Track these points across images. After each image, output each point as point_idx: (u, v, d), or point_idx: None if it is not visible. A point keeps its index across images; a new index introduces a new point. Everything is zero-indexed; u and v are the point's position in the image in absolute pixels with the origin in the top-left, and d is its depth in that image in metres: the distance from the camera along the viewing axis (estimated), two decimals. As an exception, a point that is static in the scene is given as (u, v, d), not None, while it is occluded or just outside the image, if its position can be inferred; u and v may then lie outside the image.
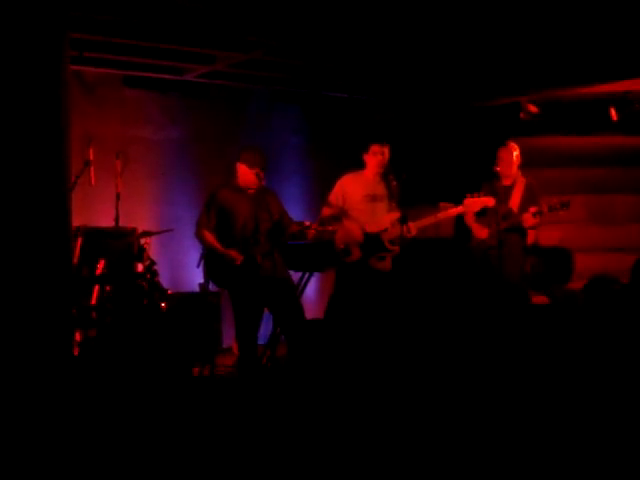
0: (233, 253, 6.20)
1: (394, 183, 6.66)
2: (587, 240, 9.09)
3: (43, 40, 4.97)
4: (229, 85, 9.06)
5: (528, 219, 7.11)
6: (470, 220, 7.37)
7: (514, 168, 7.34)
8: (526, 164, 8.37)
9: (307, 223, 6.39)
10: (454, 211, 6.91)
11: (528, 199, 7.24)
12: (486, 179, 7.33)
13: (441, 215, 6.87)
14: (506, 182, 7.33)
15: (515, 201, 7.29)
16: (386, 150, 6.73)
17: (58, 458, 4.35)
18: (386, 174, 6.72)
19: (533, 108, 8.62)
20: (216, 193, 6.39)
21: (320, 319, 7.52)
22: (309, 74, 8.71)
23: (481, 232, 7.28)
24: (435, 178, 8.77)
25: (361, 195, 6.72)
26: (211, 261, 6.37)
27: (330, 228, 6.54)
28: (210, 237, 6.25)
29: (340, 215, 6.64)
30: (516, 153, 7.36)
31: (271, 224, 6.38)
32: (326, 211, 6.79)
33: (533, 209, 7.08)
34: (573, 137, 9.31)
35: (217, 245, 6.24)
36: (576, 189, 9.15)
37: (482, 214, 7.20)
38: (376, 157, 6.70)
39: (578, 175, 9.28)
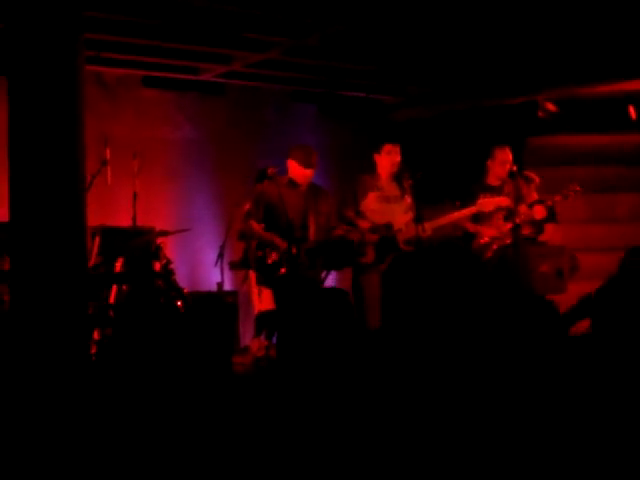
0: (277, 240, 6.28)
1: (408, 183, 6.67)
2: (603, 239, 9.03)
3: (57, 40, 5.00)
4: (246, 85, 9.08)
5: (539, 211, 7.08)
6: (469, 226, 7.29)
7: (506, 170, 7.33)
8: (545, 162, 8.35)
9: (362, 225, 6.50)
10: (468, 211, 6.92)
11: (518, 197, 7.22)
12: (474, 181, 7.36)
13: (455, 215, 6.88)
14: (493, 182, 7.33)
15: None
16: (398, 150, 6.74)
17: (74, 456, 4.37)
18: (400, 174, 6.73)
19: (551, 106, 8.58)
20: (265, 189, 6.49)
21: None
22: (326, 73, 8.72)
23: (488, 231, 7.20)
24: (452, 177, 8.74)
25: (375, 196, 6.74)
26: (252, 254, 6.48)
27: (379, 235, 6.59)
28: (257, 227, 6.37)
29: (391, 225, 6.65)
30: (510, 155, 7.36)
31: (320, 223, 6.47)
32: (350, 214, 6.79)
33: (534, 198, 7.09)
34: (591, 135, 9.26)
35: (263, 233, 6.35)
36: (596, 187, 9.09)
37: (476, 220, 7.18)
38: (389, 157, 6.71)
39: (598, 173, 9.22)
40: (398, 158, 6.73)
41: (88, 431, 4.78)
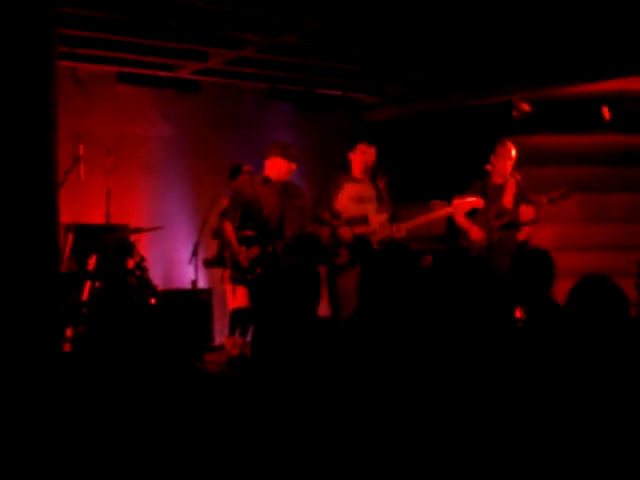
0: (242, 255, 6.30)
1: (383, 183, 6.66)
2: (580, 239, 9.09)
3: (31, 35, 4.96)
4: (222, 82, 9.06)
5: (526, 213, 7.07)
6: (462, 221, 7.27)
7: (509, 166, 7.31)
8: (519, 163, 8.36)
9: (335, 222, 6.50)
10: (443, 212, 6.91)
11: (520, 196, 7.23)
12: (477, 177, 7.31)
13: (430, 216, 6.86)
14: (498, 180, 7.30)
15: (508, 199, 7.26)
16: (373, 151, 6.73)
17: (46, 455, 4.34)
18: (374, 174, 6.72)
19: (526, 106, 8.62)
20: (241, 186, 6.58)
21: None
22: (303, 71, 8.71)
23: (477, 234, 7.17)
24: (428, 176, 8.77)
25: (349, 196, 6.72)
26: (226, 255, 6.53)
27: (357, 230, 6.58)
28: (229, 229, 6.40)
29: (367, 217, 6.63)
30: (514, 152, 7.32)
31: (297, 219, 6.48)
32: (323, 213, 6.78)
33: (533, 201, 7.07)
34: (566, 135, 9.31)
35: (233, 241, 6.38)
36: (569, 188, 9.14)
37: (472, 214, 7.17)
38: (363, 157, 6.70)
39: (571, 174, 9.27)
40: (372, 158, 6.73)
41: (60, 428, 4.75)
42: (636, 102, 8.34)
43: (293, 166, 6.61)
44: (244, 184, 6.71)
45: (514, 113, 8.60)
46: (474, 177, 7.37)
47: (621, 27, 7.14)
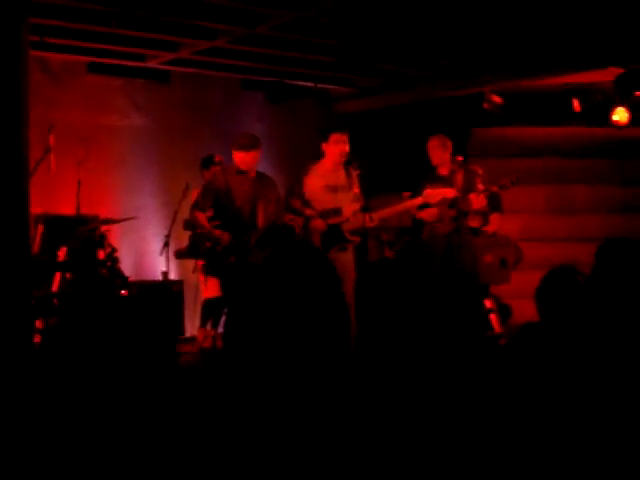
0: (217, 232, 6.33)
1: (355, 172, 6.66)
2: (547, 230, 9.17)
3: (1, 24, 4.92)
4: (194, 72, 9.02)
5: (474, 201, 7.14)
6: (415, 213, 7.36)
7: (445, 156, 7.40)
8: (490, 154, 8.42)
9: (308, 212, 6.53)
10: (414, 202, 6.98)
11: (468, 185, 7.29)
12: (425, 172, 7.43)
13: (402, 206, 6.95)
14: (442, 171, 7.40)
15: (456, 189, 7.33)
16: (346, 139, 6.73)
17: (16, 451, 4.32)
18: (347, 164, 6.72)
19: (497, 98, 8.66)
20: (213, 177, 6.77)
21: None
22: (275, 62, 8.70)
23: (430, 211, 7.24)
24: (399, 168, 8.80)
25: (321, 185, 6.72)
26: (199, 245, 6.55)
27: (331, 221, 6.60)
28: (202, 217, 6.46)
29: (340, 209, 6.65)
30: (446, 143, 7.42)
31: (269, 210, 6.50)
32: (296, 203, 6.78)
33: (480, 189, 7.16)
34: (536, 128, 9.38)
35: (206, 224, 6.42)
36: (539, 179, 9.22)
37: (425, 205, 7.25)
38: (336, 146, 6.69)
39: (541, 165, 9.35)
40: (346, 148, 6.72)
41: (31, 421, 4.72)
42: (605, 95, 8.40)
43: (251, 154, 6.60)
44: (217, 175, 6.77)
45: (485, 105, 8.64)
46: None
47: (590, 21, 7.20)
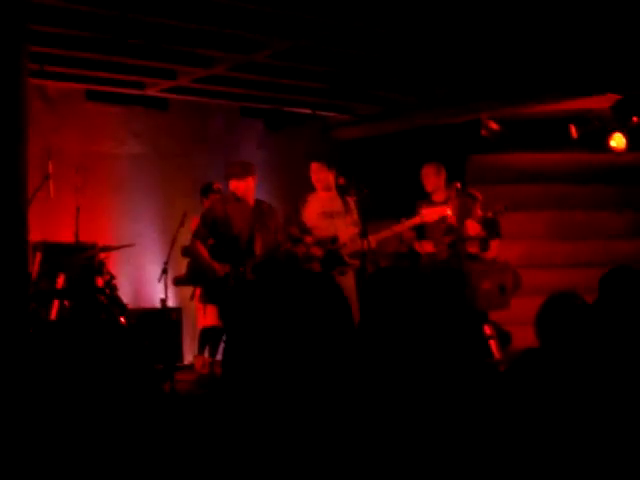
0: (217, 266, 6.33)
1: (352, 198, 6.70)
2: (546, 256, 9.17)
3: (1, 52, 4.93)
4: (193, 100, 9.05)
5: (470, 227, 7.16)
6: (411, 240, 7.35)
7: (440, 183, 7.42)
8: (488, 181, 8.42)
9: (307, 239, 6.55)
10: (411, 222, 6.99)
11: (464, 212, 7.31)
12: (420, 198, 7.45)
13: (398, 227, 6.96)
14: (438, 198, 7.41)
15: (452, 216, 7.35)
16: (324, 167, 6.80)
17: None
18: (345, 190, 6.76)
19: (494, 125, 8.69)
20: (212, 205, 6.81)
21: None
22: (273, 90, 8.73)
23: (426, 246, 7.27)
24: (397, 194, 8.81)
25: (317, 212, 6.76)
26: (198, 272, 6.57)
27: (324, 249, 6.62)
28: (202, 248, 6.46)
29: (336, 238, 6.68)
30: (440, 170, 7.45)
31: (267, 238, 6.50)
32: (294, 230, 6.80)
33: (478, 215, 7.17)
34: (534, 154, 9.40)
35: (205, 255, 6.43)
36: (538, 205, 9.23)
37: (421, 236, 7.25)
38: (315, 175, 6.80)
39: (539, 191, 9.36)
40: (322, 175, 6.81)
41: (28, 445, 4.68)
42: (602, 121, 8.43)
43: (245, 182, 6.60)
44: (215, 203, 6.80)
45: (483, 132, 8.67)
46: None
47: (587, 48, 7.24)
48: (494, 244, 7.42)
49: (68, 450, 4.45)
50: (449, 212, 7.00)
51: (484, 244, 7.34)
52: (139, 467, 4.37)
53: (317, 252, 6.69)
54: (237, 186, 6.59)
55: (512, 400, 3.58)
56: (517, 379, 3.76)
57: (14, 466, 3.98)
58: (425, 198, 7.46)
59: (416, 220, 6.99)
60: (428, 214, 6.96)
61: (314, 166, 6.84)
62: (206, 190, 7.98)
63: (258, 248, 6.55)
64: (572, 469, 3.29)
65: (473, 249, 7.29)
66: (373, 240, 6.63)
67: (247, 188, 6.62)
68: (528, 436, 3.41)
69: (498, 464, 3.34)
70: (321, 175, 6.77)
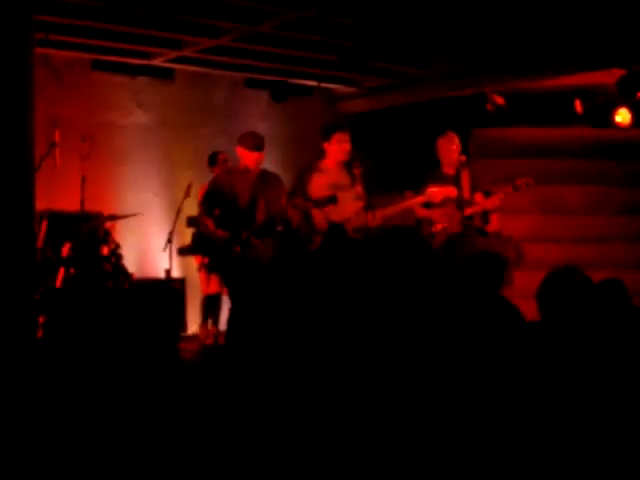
0: (220, 233, 6.40)
1: (358, 171, 6.67)
2: (548, 231, 9.17)
3: (8, 21, 4.94)
4: (198, 70, 9.05)
5: (493, 201, 7.16)
6: (419, 211, 7.30)
7: (454, 156, 7.37)
8: (491, 155, 8.41)
9: (305, 204, 6.56)
10: (417, 200, 6.98)
11: (475, 186, 7.30)
12: (429, 170, 7.41)
13: (405, 204, 6.94)
14: (448, 171, 7.35)
15: (465, 189, 7.33)
16: (348, 138, 6.74)
17: (18, 445, 4.34)
18: (349, 162, 6.74)
19: (499, 99, 8.68)
20: (217, 177, 6.88)
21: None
22: (278, 61, 8.72)
23: (441, 219, 7.22)
24: (402, 167, 8.81)
25: (325, 184, 6.71)
26: (202, 242, 6.65)
27: (331, 216, 6.60)
28: (206, 219, 6.52)
29: (335, 196, 6.62)
30: (456, 141, 7.39)
31: (272, 208, 6.53)
32: (299, 200, 6.78)
33: (493, 191, 7.16)
34: (538, 128, 9.39)
35: (208, 224, 6.49)
36: (541, 180, 9.22)
37: (428, 206, 7.22)
38: (339, 145, 6.70)
39: (543, 166, 9.35)
40: (348, 146, 6.73)
41: (33, 414, 4.75)
42: (608, 96, 8.42)
43: (256, 155, 6.58)
44: (222, 173, 6.84)
45: (487, 106, 8.66)
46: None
47: (592, 22, 7.22)
48: (495, 217, 7.42)
49: (72, 415, 4.49)
50: (454, 193, 6.98)
51: (485, 218, 7.35)
52: (143, 434, 4.42)
53: (321, 221, 6.68)
54: (250, 157, 6.59)
55: (514, 373, 3.62)
56: (519, 352, 3.80)
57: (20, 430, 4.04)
58: (434, 171, 7.41)
59: (421, 199, 6.99)
60: (434, 193, 6.95)
61: (341, 136, 6.75)
62: (214, 159, 8.02)
63: (260, 216, 6.55)
64: (571, 444, 3.33)
65: (476, 222, 7.30)
66: (379, 216, 6.61)
67: (259, 161, 6.67)
68: (529, 407, 3.45)
69: (499, 435, 3.39)
70: (346, 145, 6.72)
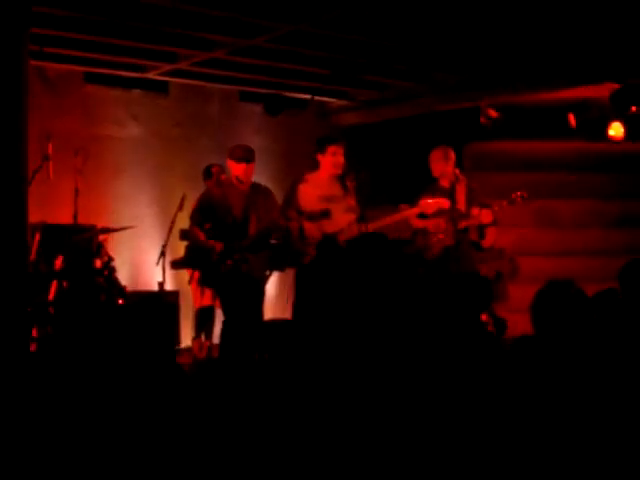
0: (211, 242, 6.36)
1: (352, 184, 6.67)
2: (543, 244, 9.18)
3: (2, 33, 4.94)
4: (192, 83, 9.05)
5: (487, 215, 7.15)
6: (418, 223, 7.30)
7: (449, 169, 7.36)
8: (485, 168, 8.42)
9: (298, 218, 6.56)
10: (410, 212, 6.98)
11: (471, 200, 7.29)
12: (424, 183, 7.41)
13: (397, 216, 6.93)
14: (444, 183, 7.35)
15: (461, 202, 7.33)
16: (342, 151, 6.74)
17: (11, 461, 4.31)
18: (343, 174, 6.73)
19: (493, 112, 8.69)
20: (208, 190, 6.83)
21: (289, 320, 7.51)
22: (272, 74, 8.73)
23: (434, 223, 7.21)
24: (395, 180, 8.82)
25: (316, 196, 6.70)
26: (195, 255, 6.61)
27: (324, 228, 6.60)
28: (198, 231, 6.48)
29: (328, 210, 6.63)
30: (449, 154, 7.39)
31: (265, 219, 6.51)
32: (292, 213, 6.78)
33: (490, 204, 7.16)
34: (532, 142, 9.41)
35: (202, 237, 6.44)
36: (535, 193, 9.24)
37: (424, 217, 7.21)
38: (333, 158, 6.70)
39: (537, 179, 9.37)
40: (341, 159, 6.74)
41: (26, 429, 4.72)
42: (601, 109, 8.45)
43: (243, 166, 6.53)
44: (212, 186, 6.81)
45: (481, 119, 8.67)
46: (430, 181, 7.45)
47: (586, 36, 7.25)
48: (490, 232, 7.42)
49: (67, 429, 4.46)
50: (447, 204, 6.98)
51: (481, 232, 7.35)
52: (139, 447, 4.39)
53: (314, 233, 6.68)
54: (240, 169, 6.56)
55: (507, 386, 3.61)
56: (512, 366, 3.80)
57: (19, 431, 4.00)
58: (431, 185, 7.41)
59: (415, 211, 6.98)
60: (426, 205, 6.95)
61: (336, 149, 6.74)
62: (207, 173, 8.03)
63: (252, 229, 6.53)
64: (566, 455, 3.32)
65: (473, 236, 7.29)
66: (371, 228, 6.60)
67: (250, 173, 6.63)
68: (522, 420, 3.44)
69: (492, 448, 3.38)
70: (340, 158, 6.72)
